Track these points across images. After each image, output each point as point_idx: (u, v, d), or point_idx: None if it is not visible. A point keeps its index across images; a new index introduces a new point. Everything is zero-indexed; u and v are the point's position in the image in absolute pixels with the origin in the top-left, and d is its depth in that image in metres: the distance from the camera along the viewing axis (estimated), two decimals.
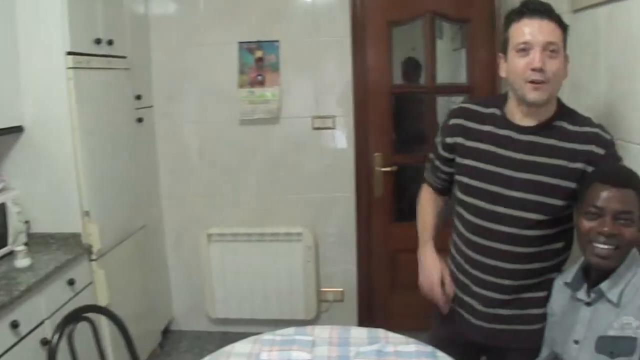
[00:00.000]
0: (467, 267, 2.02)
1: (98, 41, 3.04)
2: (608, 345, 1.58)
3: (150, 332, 3.67)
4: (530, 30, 1.76)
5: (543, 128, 1.84)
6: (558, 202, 1.82)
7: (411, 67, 3.95)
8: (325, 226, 3.89)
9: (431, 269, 2.12)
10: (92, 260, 2.92)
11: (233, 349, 2.01)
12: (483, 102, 2.03)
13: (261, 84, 3.73)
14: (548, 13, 1.77)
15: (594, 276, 1.68)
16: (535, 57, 1.74)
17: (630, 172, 1.67)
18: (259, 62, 3.73)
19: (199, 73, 3.79)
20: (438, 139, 2.10)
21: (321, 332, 2.13)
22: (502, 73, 1.88)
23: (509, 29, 1.82)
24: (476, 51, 3.74)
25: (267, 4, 3.70)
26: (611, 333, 1.58)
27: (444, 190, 2.20)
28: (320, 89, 3.75)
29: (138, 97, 3.55)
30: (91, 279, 2.90)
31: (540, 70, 1.74)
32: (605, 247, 1.58)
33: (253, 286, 3.87)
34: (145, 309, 3.55)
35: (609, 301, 1.61)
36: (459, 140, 1.99)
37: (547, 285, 1.92)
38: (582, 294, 1.70)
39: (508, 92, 1.92)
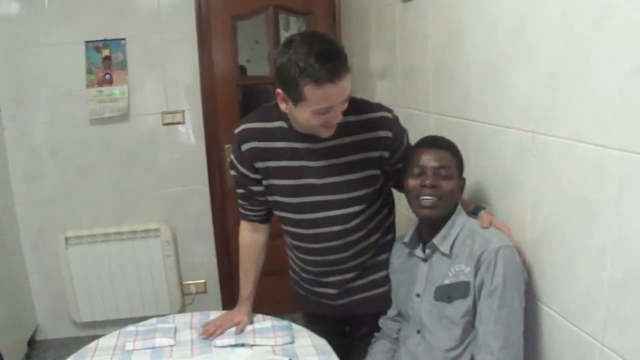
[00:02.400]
0: (308, 267, 2.11)
1: None
2: (445, 292, 1.76)
3: (14, 344, 3.56)
4: (332, 95, 1.67)
5: None
6: (370, 189, 1.95)
7: None
8: (182, 220, 3.93)
9: (235, 315, 2.15)
10: None
11: (98, 344, 2.05)
12: (263, 116, 1.97)
13: (109, 82, 3.73)
14: (345, 70, 1.67)
15: (426, 234, 1.86)
16: (336, 114, 1.73)
17: (445, 139, 1.91)
18: (106, 60, 3.72)
19: (47, 74, 3.71)
20: (239, 170, 2.03)
21: (182, 319, 2.22)
22: (283, 108, 1.79)
23: (303, 86, 1.64)
24: None
25: (113, 2, 3.69)
26: (447, 282, 1.76)
27: (267, 217, 2.16)
28: (169, 84, 3.79)
29: None
30: None
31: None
32: (429, 197, 1.77)
33: (116, 286, 3.85)
34: (5, 321, 3.45)
35: (443, 254, 1.79)
36: (259, 164, 1.96)
37: (385, 248, 2.09)
38: (419, 252, 1.89)
39: None
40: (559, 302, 1.63)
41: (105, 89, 3.73)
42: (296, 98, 1.69)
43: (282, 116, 1.88)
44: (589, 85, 1.41)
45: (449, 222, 1.81)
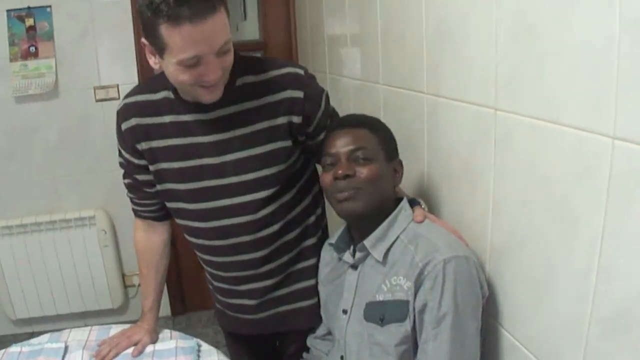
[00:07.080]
0: (218, 273, 1.75)
1: None
2: (378, 310, 1.39)
3: None
4: (196, 40, 1.30)
5: (227, 95, 1.49)
6: (280, 167, 1.58)
7: None
8: (120, 206, 3.47)
9: (135, 333, 1.80)
10: None
11: None
12: (148, 86, 1.63)
13: (35, 55, 3.34)
14: (211, 8, 1.29)
15: (357, 235, 1.50)
16: (210, 69, 1.35)
17: (363, 115, 1.54)
18: (30, 31, 3.33)
19: None
20: (123, 156, 1.69)
21: (77, 335, 1.89)
22: (152, 64, 1.43)
23: (160, 29, 1.29)
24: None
25: None
26: (380, 297, 1.39)
27: (161, 212, 1.78)
28: (101, 56, 3.41)
29: None
30: None
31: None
32: (344, 191, 1.40)
33: (51, 280, 3.52)
34: None
35: (376, 261, 1.42)
36: (143, 145, 1.60)
37: (313, 252, 1.73)
38: (347, 256, 1.52)
39: None
40: (525, 331, 1.31)
41: (30, 63, 3.34)
42: (158, 46, 1.34)
43: (168, 85, 1.51)
44: (468, 46, 1.37)
45: (388, 221, 1.44)
